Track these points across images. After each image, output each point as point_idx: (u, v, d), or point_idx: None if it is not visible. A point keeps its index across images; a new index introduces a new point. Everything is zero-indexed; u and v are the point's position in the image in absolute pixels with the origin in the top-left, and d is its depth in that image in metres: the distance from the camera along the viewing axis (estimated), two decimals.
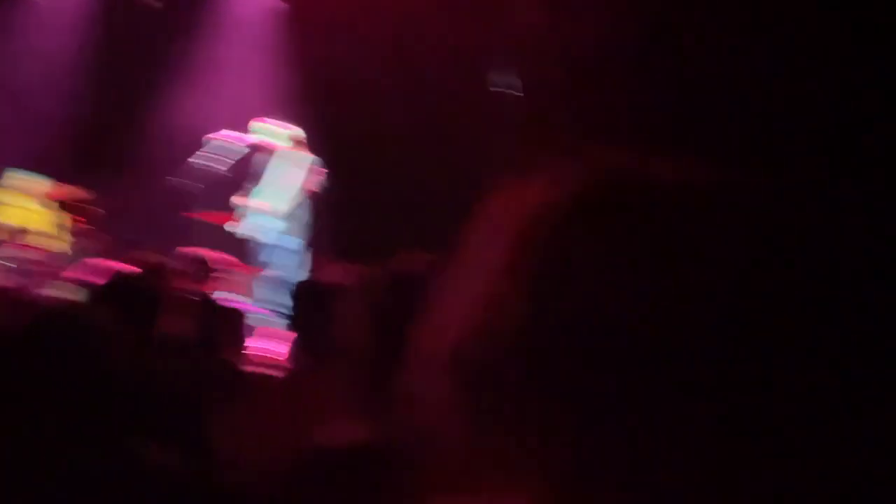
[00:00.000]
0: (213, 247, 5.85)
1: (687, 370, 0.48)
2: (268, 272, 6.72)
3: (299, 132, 6.95)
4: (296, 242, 6.81)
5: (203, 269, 3.95)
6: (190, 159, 6.93)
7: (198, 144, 7.05)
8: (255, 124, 6.91)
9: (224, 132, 6.90)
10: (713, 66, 4.90)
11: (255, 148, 6.92)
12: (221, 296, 5.07)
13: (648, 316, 0.48)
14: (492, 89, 6.50)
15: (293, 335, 2.91)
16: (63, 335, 1.26)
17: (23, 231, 6.40)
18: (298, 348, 2.78)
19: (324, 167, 6.87)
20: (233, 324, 3.39)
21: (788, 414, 0.48)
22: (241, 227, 6.91)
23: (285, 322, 3.19)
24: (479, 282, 0.54)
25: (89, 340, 1.26)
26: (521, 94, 6.17)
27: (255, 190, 6.91)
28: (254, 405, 2.56)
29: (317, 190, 6.79)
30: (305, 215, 6.84)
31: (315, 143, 7.11)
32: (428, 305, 0.57)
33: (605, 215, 0.52)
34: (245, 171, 7.05)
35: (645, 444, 0.47)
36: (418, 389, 0.56)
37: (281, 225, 6.81)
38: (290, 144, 6.87)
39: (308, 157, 6.87)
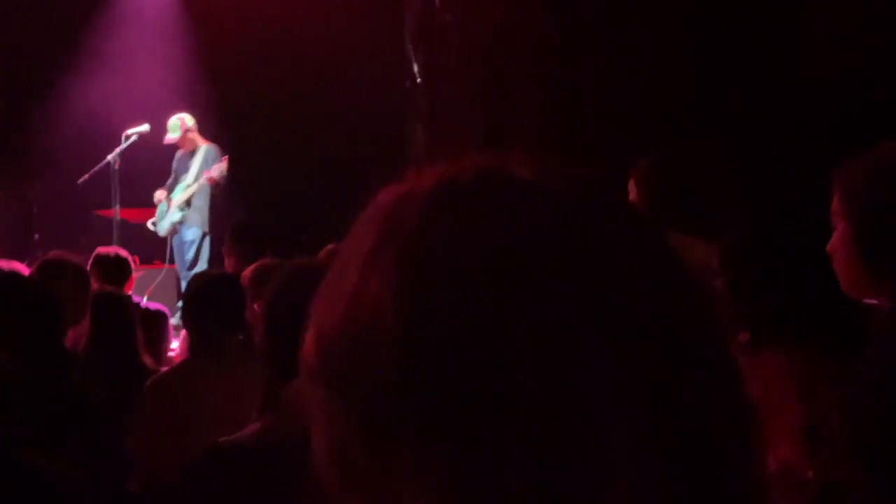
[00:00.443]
0: (134, 245, 5.69)
1: (549, 359, 0.47)
2: (182, 268, 6.61)
3: (189, 120, 6.78)
4: (194, 233, 6.69)
5: (122, 269, 3.82)
6: (108, 154, 6.75)
7: (104, 137, 6.88)
8: (170, 120, 6.74)
9: (142, 127, 6.71)
10: (611, 65, 5.00)
11: (174, 143, 6.77)
12: (144, 298, 4.93)
13: (513, 309, 0.48)
14: (400, 81, 6.51)
15: (187, 330, 2.82)
16: None
17: None
18: (195, 344, 2.70)
19: (224, 154, 6.73)
20: (155, 326, 3.30)
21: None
22: (161, 224, 6.78)
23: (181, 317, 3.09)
24: (346, 275, 0.52)
25: None
26: (425, 87, 6.20)
27: (177, 185, 6.77)
28: (160, 407, 2.50)
29: (218, 178, 6.63)
30: (205, 204, 6.71)
31: (216, 131, 7.02)
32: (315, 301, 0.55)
33: (463, 207, 0.51)
34: (166, 166, 6.91)
35: (528, 445, 0.46)
36: (301, 389, 0.54)
37: (178, 215, 6.70)
38: (191, 134, 6.73)
39: (207, 146, 6.74)
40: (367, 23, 7.23)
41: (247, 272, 3.02)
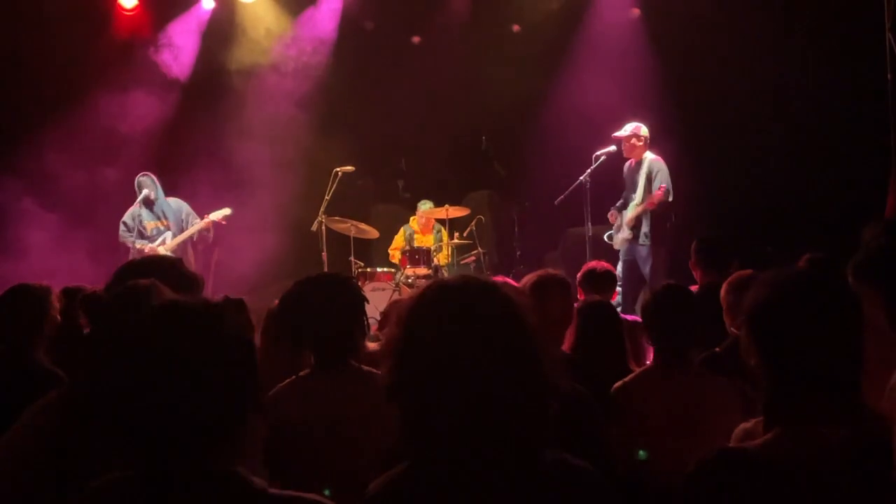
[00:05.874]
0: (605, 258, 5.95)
1: None
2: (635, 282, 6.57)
3: (644, 130, 6.79)
4: (647, 249, 6.62)
5: (608, 281, 4.02)
6: (580, 175, 6.98)
7: (574, 160, 7.15)
8: (629, 124, 6.86)
9: (610, 148, 6.88)
10: None
11: (619, 141, 6.84)
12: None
13: None
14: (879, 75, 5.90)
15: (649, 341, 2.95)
16: None
17: None
18: (658, 354, 2.83)
19: (664, 167, 6.63)
20: (635, 335, 3.53)
21: None
22: (616, 238, 6.90)
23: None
24: None
25: None
26: None
27: (629, 199, 6.87)
28: (626, 407, 2.67)
29: (662, 200, 6.54)
30: (655, 222, 6.64)
31: (670, 143, 6.98)
32: None
33: None
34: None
35: None
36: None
37: (628, 233, 6.69)
38: (638, 142, 6.73)
39: (651, 160, 6.68)
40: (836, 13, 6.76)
41: (724, 284, 3.11)
